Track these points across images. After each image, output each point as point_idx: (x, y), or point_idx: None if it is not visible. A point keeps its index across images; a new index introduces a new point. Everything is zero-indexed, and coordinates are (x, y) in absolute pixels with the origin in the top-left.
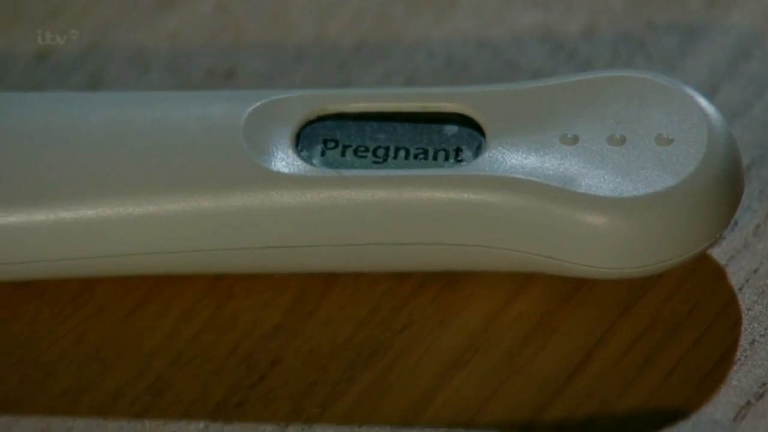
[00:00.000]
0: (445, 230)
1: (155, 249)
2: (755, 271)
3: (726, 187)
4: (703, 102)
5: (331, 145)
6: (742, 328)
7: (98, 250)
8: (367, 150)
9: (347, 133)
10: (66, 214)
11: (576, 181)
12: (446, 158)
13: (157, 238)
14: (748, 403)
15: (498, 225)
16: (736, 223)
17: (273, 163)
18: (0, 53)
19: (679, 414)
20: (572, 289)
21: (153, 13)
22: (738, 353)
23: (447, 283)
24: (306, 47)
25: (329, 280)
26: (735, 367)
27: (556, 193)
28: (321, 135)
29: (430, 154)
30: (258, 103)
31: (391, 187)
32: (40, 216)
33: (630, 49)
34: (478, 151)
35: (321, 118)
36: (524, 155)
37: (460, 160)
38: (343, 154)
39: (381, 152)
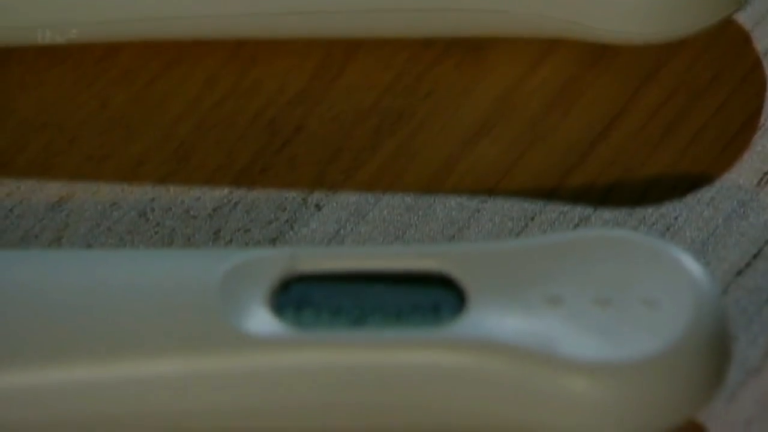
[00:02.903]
0: None
1: (178, 13)
2: None
3: None
4: None
5: None
6: (767, 94)
7: (122, 12)
8: None
9: None
10: None
11: None
12: None
13: (180, 2)
14: None
15: None
16: None
17: None
18: None
19: (702, 179)
20: (596, 56)
21: None
22: (762, 119)
23: (471, 50)
24: None
25: (352, 46)
26: (759, 133)
27: None
28: None
29: None
30: None
31: None
32: None
33: None
34: None
35: None
36: None
37: None
38: None
39: None
